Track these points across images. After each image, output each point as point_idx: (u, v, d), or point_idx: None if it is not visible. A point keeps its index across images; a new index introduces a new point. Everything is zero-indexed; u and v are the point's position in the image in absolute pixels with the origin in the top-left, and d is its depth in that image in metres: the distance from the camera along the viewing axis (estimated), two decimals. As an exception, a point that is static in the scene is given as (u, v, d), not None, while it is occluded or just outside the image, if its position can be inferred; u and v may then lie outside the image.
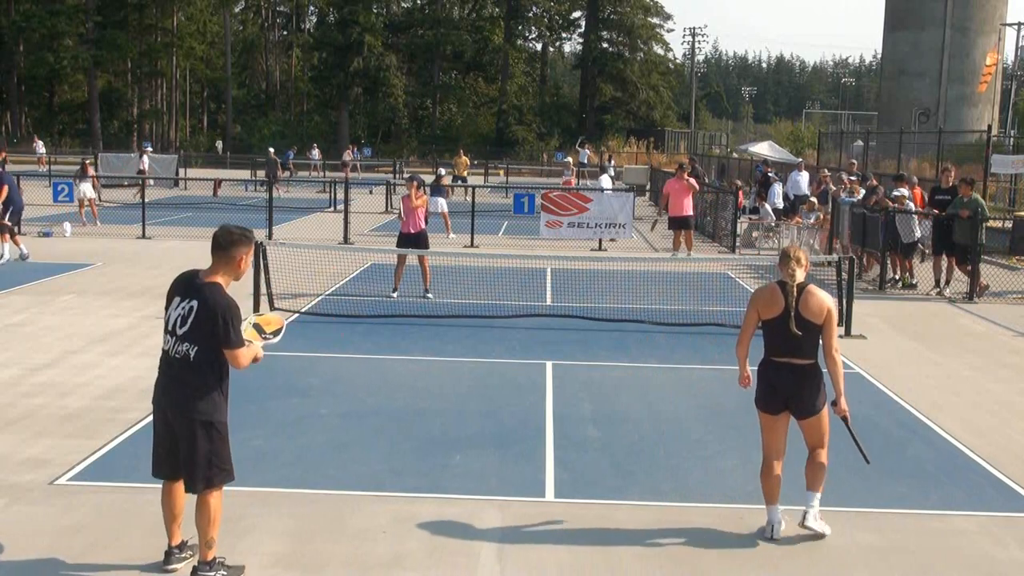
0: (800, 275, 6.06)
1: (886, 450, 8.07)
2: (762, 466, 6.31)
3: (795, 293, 6.00)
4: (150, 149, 43.48)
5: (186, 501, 5.57)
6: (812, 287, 6.08)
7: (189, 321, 5.25)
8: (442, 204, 24.62)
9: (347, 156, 51.33)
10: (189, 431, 5.28)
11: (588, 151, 54.66)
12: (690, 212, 20.57)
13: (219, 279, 5.35)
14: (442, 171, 28.54)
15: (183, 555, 5.56)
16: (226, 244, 5.37)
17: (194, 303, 5.26)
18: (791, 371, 6.06)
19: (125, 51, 71.05)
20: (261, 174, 41.26)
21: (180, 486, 5.50)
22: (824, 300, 6.05)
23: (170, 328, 5.34)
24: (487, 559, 5.83)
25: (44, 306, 13.43)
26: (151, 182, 36.07)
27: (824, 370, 6.13)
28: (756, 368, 6.33)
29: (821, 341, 6.09)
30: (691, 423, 8.72)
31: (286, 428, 8.22)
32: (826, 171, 25.11)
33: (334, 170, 48.94)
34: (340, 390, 9.50)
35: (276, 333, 5.73)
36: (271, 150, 42.55)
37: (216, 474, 5.35)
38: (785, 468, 6.53)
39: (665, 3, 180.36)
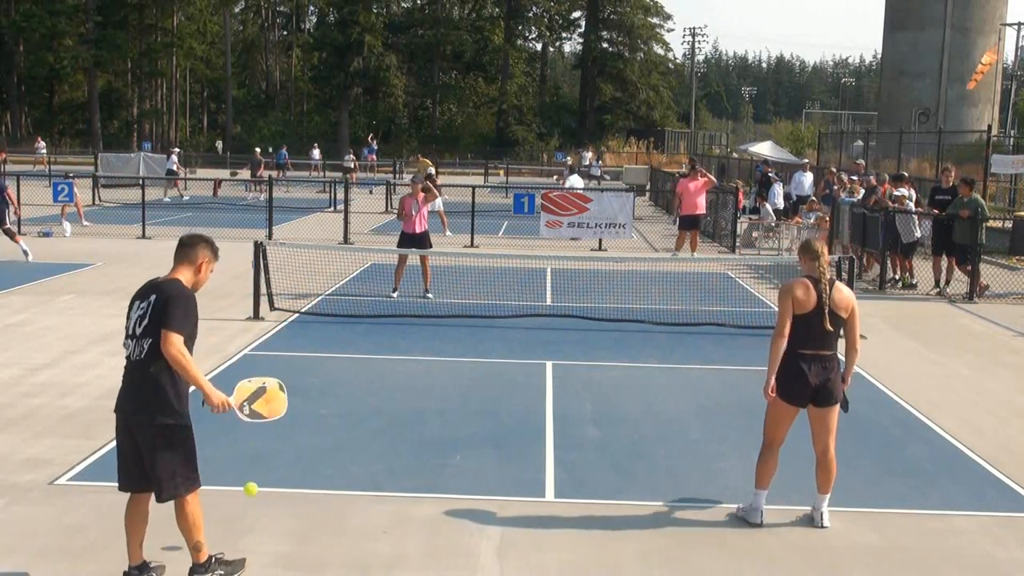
0: (828, 270, 6.35)
1: (885, 450, 8.07)
2: (763, 452, 6.46)
3: (828, 289, 6.23)
4: (178, 150, 43.38)
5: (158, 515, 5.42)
6: (838, 282, 6.38)
7: (147, 316, 5.13)
8: (438, 203, 24.71)
9: (350, 162, 47.46)
10: (151, 437, 5.10)
11: (590, 152, 54.63)
12: (703, 211, 20.92)
13: (185, 279, 5.29)
14: (431, 171, 28.74)
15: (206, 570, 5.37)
16: (188, 243, 5.37)
17: (152, 297, 5.17)
18: (821, 362, 6.25)
19: (125, 51, 71.01)
20: (262, 174, 41.20)
21: (147, 500, 5.32)
22: (850, 295, 6.37)
23: (130, 332, 5.20)
24: (487, 559, 5.83)
25: (44, 306, 13.43)
26: (182, 183, 36.12)
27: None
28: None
29: (843, 333, 6.39)
30: (691, 423, 8.72)
31: (286, 428, 8.19)
32: (833, 169, 25.03)
33: (334, 170, 48.89)
34: (340, 390, 9.50)
35: (253, 415, 5.31)
36: (257, 150, 42.20)
37: (182, 483, 5.18)
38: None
39: (665, 3, 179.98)
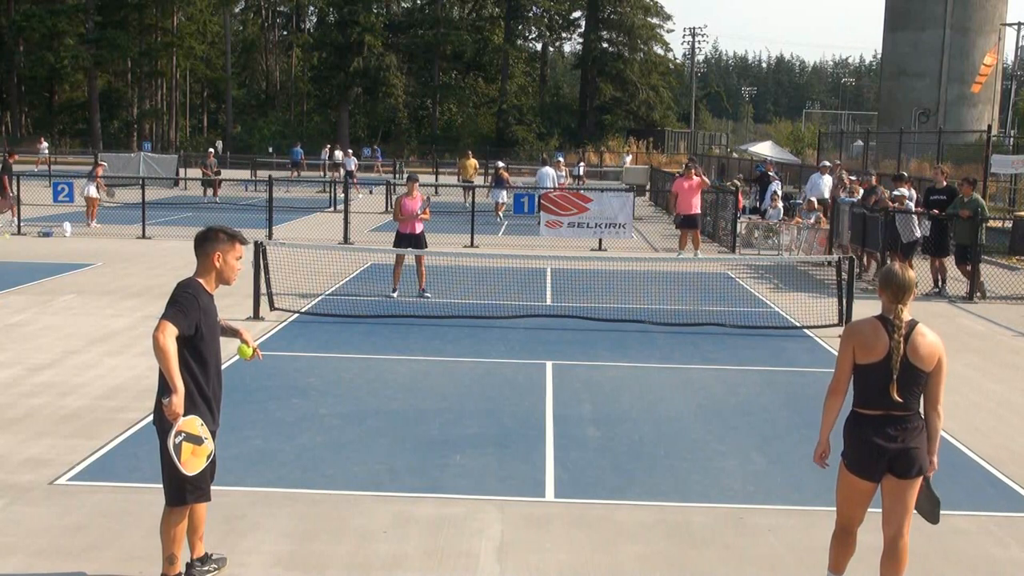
0: (907, 311, 4.96)
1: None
2: (835, 533, 5.29)
3: (904, 338, 4.93)
4: (351, 151, 43.44)
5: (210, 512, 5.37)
6: (921, 326, 5.01)
7: None
8: (503, 195, 27.08)
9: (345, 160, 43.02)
10: (161, 441, 5.06)
11: (560, 155, 54.19)
12: (698, 211, 21.03)
13: (200, 278, 5.27)
14: (500, 164, 30.06)
15: (205, 568, 5.41)
16: (198, 240, 5.32)
17: None
18: (895, 425, 4.97)
19: (125, 51, 71.07)
20: (262, 174, 41.17)
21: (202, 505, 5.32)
22: (937, 343, 5.04)
23: None
24: (487, 559, 5.83)
25: (44, 306, 13.43)
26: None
27: None
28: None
29: (924, 392, 5.09)
30: (691, 423, 8.72)
31: (286, 428, 8.22)
32: (846, 172, 24.53)
33: (334, 170, 48.80)
34: (340, 390, 9.50)
35: (176, 450, 4.97)
36: (211, 150, 40.06)
37: (190, 492, 5.12)
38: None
39: (665, 3, 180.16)
